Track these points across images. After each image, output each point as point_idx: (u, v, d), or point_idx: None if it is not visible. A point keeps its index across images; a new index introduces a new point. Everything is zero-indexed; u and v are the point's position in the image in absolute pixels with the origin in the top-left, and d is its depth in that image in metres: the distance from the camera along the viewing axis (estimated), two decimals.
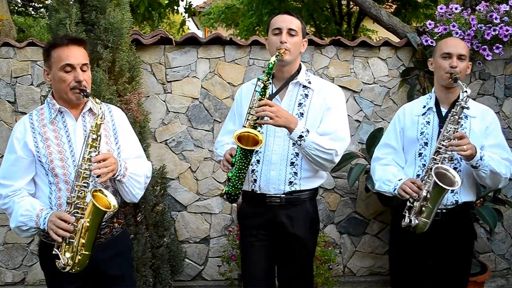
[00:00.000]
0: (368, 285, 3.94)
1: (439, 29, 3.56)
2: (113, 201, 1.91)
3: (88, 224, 1.86)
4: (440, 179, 2.07)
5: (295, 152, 2.21)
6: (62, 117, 2.03)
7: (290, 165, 2.22)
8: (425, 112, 2.37)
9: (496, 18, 3.40)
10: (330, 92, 2.27)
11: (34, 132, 1.99)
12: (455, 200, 2.29)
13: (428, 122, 2.34)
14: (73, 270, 1.89)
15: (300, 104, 2.23)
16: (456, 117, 2.16)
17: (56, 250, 1.88)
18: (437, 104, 2.35)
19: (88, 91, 1.95)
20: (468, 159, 2.17)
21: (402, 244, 2.40)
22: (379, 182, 2.40)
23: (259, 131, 2.05)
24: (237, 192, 2.08)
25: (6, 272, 3.80)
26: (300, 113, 2.21)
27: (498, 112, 3.94)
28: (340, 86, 3.89)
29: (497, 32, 3.42)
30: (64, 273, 1.90)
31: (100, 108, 1.90)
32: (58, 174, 1.97)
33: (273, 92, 2.23)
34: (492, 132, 2.30)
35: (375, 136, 3.59)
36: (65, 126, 2.02)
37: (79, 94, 1.94)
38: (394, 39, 4.06)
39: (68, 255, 1.87)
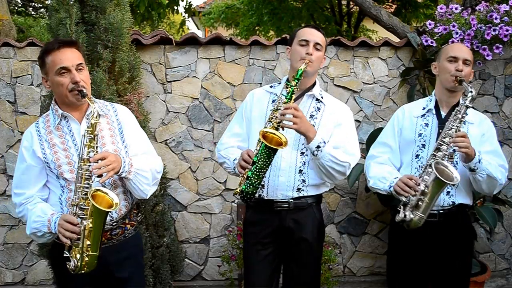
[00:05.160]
0: (368, 285, 3.94)
1: (439, 29, 3.56)
2: (115, 199, 1.88)
3: (91, 225, 1.84)
4: (439, 174, 2.07)
5: (303, 161, 2.23)
6: (67, 122, 2.04)
7: (299, 173, 2.24)
8: (424, 114, 2.38)
9: (496, 18, 3.40)
10: (341, 110, 2.33)
11: (41, 140, 2.01)
12: (451, 202, 2.29)
13: (426, 124, 2.35)
14: (83, 271, 1.89)
15: (312, 116, 2.26)
16: (459, 115, 2.18)
17: (67, 253, 1.88)
18: (437, 107, 2.36)
19: (85, 90, 1.94)
20: (467, 160, 2.17)
21: (401, 245, 2.39)
22: (374, 179, 2.38)
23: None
24: (254, 191, 2.05)
25: (6, 272, 3.80)
26: (311, 125, 2.22)
27: (498, 112, 3.94)
28: (340, 86, 3.97)
29: (497, 32, 3.42)
30: (74, 275, 1.90)
31: (95, 108, 1.90)
32: (67, 178, 1.98)
33: None
34: (488, 139, 2.33)
35: (375, 136, 3.54)
36: (70, 131, 2.02)
37: (78, 95, 1.94)
38: (394, 39, 4.06)
39: (78, 257, 1.86)
